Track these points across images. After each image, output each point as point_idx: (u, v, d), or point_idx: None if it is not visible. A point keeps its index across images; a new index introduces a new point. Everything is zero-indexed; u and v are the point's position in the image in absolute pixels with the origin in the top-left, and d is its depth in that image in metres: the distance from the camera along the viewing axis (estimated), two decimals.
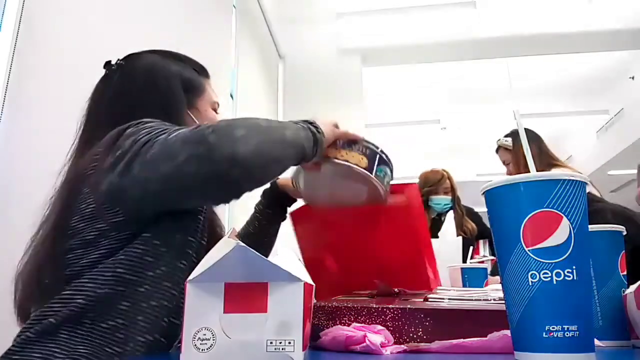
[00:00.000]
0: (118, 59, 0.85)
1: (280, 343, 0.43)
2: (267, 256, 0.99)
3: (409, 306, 0.57)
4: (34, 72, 1.13)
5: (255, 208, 1.05)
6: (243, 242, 1.10)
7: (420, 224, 0.94)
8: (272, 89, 3.59)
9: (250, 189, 0.66)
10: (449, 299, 0.60)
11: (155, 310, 0.64)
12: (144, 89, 0.80)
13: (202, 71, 0.91)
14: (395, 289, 0.68)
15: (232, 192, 0.65)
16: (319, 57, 3.82)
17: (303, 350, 0.43)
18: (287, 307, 0.43)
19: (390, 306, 0.58)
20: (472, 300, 0.59)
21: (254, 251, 0.44)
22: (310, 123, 0.74)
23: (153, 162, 0.61)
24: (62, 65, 1.22)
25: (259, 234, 1.02)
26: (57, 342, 0.61)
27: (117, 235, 0.66)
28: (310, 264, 0.86)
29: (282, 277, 0.44)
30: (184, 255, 0.68)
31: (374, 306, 0.59)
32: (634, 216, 0.84)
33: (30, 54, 1.10)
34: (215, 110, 0.91)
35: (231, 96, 2.53)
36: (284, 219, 1.05)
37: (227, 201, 0.68)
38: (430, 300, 0.60)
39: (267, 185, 1.03)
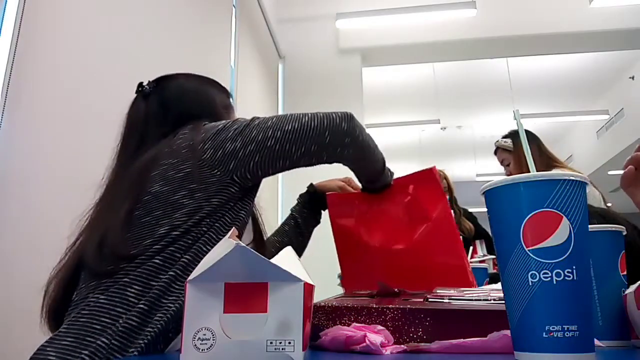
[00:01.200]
0: (149, 81, 0.89)
1: (280, 343, 0.43)
2: (301, 252, 1.05)
3: (409, 306, 0.57)
4: (33, 72, 1.13)
5: (291, 209, 1.11)
6: (276, 240, 1.11)
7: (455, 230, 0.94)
8: (272, 89, 3.60)
9: (346, 158, 0.85)
10: (449, 298, 0.60)
11: None
12: (193, 105, 0.87)
13: (228, 93, 1.01)
14: (396, 289, 0.68)
15: (337, 151, 0.81)
16: (319, 57, 3.82)
17: (303, 350, 0.43)
18: (287, 307, 0.43)
19: (390, 306, 0.57)
20: (472, 300, 0.59)
21: (254, 251, 0.44)
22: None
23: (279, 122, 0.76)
24: (62, 66, 1.22)
25: (293, 233, 1.07)
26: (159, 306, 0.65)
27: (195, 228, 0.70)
28: (343, 249, 0.98)
29: (282, 277, 0.44)
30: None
31: (374, 306, 0.59)
32: (621, 220, 0.84)
33: (30, 55, 1.10)
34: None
35: (231, 96, 2.53)
36: (318, 222, 1.11)
37: (329, 156, 0.82)
38: (430, 300, 0.60)
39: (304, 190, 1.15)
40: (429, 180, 0.96)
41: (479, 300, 0.58)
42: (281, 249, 1.06)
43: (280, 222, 1.10)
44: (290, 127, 0.75)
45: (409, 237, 0.92)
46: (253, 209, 0.85)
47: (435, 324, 0.54)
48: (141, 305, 0.64)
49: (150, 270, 0.66)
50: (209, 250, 0.52)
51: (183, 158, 0.73)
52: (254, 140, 0.74)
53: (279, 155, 0.75)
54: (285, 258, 0.50)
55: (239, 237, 0.74)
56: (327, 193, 1.07)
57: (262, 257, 0.44)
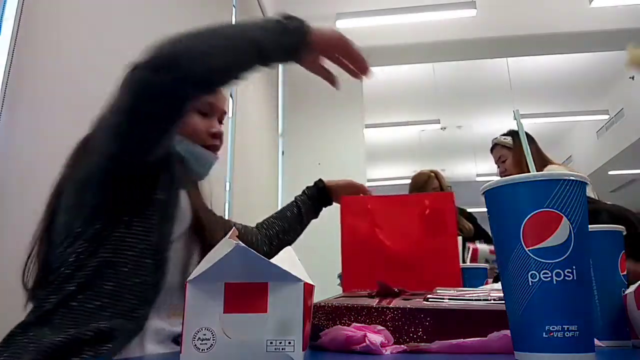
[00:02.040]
0: None
1: (280, 343, 0.43)
2: (291, 243, 1.08)
3: (409, 306, 0.57)
4: (33, 71, 1.13)
5: (296, 198, 1.14)
6: (275, 222, 1.08)
7: (453, 227, 1.04)
8: (272, 89, 3.59)
9: (191, 92, 0.66)
10: (449, 298, 0.60)
11: (139, 286, 0.69)
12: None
13: None
14: (396, 289, 0.68)
15: (169, 100, 0.65)
16: None
17: (303, 350, 0.43)
18: (287, 307, 0.43)
19: (391, 306, 0.57)
20: (472, 300, 0.59)
21: (254, 251, 0.44)
22: (288, 18, 0.73)
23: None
24: (62, 65, 1.22)
25: (294, 220, 1.11)
26: (51, 325, 0.65)
27: (97, 222, 0.70)
28: (348, 249, 1.01)
29: (282, 277, 0.44)
30: (162, 232, 0.72)
31: (374, 306, 0.59)
32: (631, 216, 0.83)
33: (30, 53, 1.10)
34: (203, 113, 0.89)
35: (231, 96, 2.53)
36: (317, 216, 1.15)
37: (172, 115, 0.68)
38: (430, 300, 0.60)
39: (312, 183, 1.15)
40: (447, 202, 1.04)
41: (479, 300, 0.58)
42: (279, 232, 1.09)
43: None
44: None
45: (421, 244, 0.99)
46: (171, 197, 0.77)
47: (435, 324, 0.54)
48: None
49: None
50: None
51: None
52: None
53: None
54: (286, 258, 0.50)
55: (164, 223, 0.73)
56: (342, 196, 1.10)
57: (262, 257, 0.44)
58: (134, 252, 0.69)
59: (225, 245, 0.44)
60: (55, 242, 0.72)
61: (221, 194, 2.33)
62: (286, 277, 0.44)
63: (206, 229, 0.80)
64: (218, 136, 0.91)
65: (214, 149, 0.91)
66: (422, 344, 0.53)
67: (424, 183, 2.55)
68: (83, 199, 0.72)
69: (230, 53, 0.67)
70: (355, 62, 0.80)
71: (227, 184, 2.43)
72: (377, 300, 0.62)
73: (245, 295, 0.44)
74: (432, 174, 2.59)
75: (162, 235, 0.72)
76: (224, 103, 0.94)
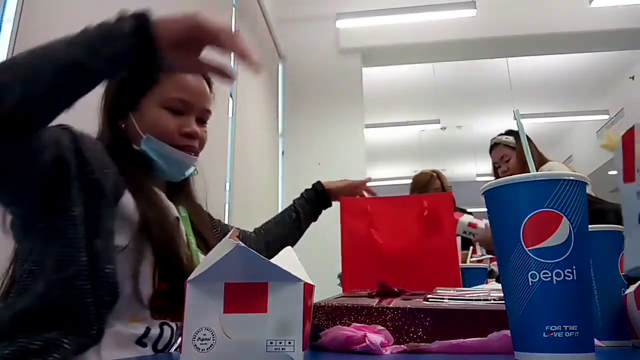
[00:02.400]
0: None
1: (280, 343, 0.43)
2: (293, 245, 1.06)
3: (409, 306, 0.57)
4: None
5: (294, 201, 1.13)
6: (273, 229, 1.07)
7: (452, 228, 1.05)
8: (272, 89, 3.59)
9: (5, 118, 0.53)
10: (449, 298, 0.60)
11: (85, 305, 0.66)
12: None
13: None
14: (396, 289, 0.68)
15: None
16: (319, 57, 3.82)
17: (303, 350, 0.43)
18: (287, 307, 0.43)
19: (391, 306, 0.57)
20: (472, 300, 0.59)
21: (254, 251, 0.44)
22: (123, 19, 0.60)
23: None
24: None
25: (292, 226, 1.09)
26: (8, 336, 0.64)
27: (28, 242, 0.70)
28: (348, 250, 1.02)
29: (282, 277, 0.44)
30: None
31: (374, 306, 0.59)
32: None
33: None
34: (176, 111, 0.83)
35: (231, 96, 2.53)
36: (316, 219, 1.13)
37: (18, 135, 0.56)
38: (430, 300, 0.60)
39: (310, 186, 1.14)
40: (445, 202, 1.05)
41: (479, 300, 0.58)
42: (277, 239, 1.08)
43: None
44: None
45: (420, 244, 1.00)
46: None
47: (435, 324, 0.54)
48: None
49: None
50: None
51: None
52: None
53: None
54: (286, 258, 0.50)
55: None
56: (340, 198, 1.09)
57: (262, 257, 0.44)
58: (67, 274, 0.65)
59: (225, 245, 0.44)
60: (19, 259, 0.72)
61: (221, 194, 2.33)
62: (286, 277, 0.44)
63: (154, 230, 0.74)
64: (193, 136, 0.84)
65: (188, 149, 0.84)
66: (422, 344, 0.53)
67: (426, 183, 2.55)
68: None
69: (35, 83, 0.55)
70: (224, 52, 0.64)
71: (227, 184, 2.43)
72: (377, 300, 0.62)
73: (245, 295, 0.44)
74: (434, 174, 2.59)
75: (97, 253, 0.67)
76: (202, 100, 0.85)
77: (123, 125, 0.83)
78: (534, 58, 4.85)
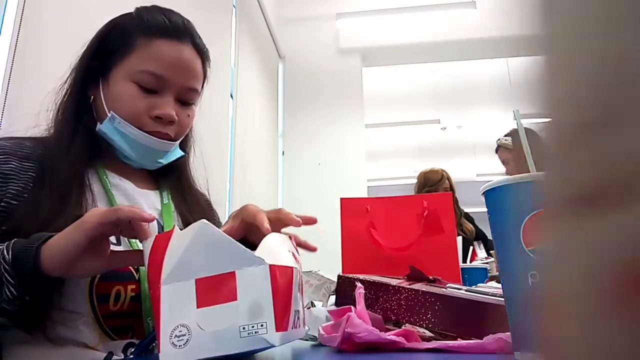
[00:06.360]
0: None
1: (253, 327, 0.43)
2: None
3: (422, 289, 0.61)
4: (34, 71, 1.13)
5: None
6: None
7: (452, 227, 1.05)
8: (272, 89, 3.59)
9: None
10: (466, 290, 0.64)
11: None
12: None
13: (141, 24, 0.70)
14: (430, 277, 0.72)
15: None
16: (319, 57, 3.82)
17: (282, 330, 0.43)
18: (255, 290, 0.44)
19: (406, 286, 0.62)
20: (485, 294, 0.61)
21: (217, 228, 0.46)
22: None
23: None
24: (63, 68, 1.22)
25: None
26: None
27: None
28: (348, 250, 1.01)
29: (247, 260, 0.45)
30: None
31: (392, 283, 0.63)
32: None
33: (30, 53, 1.10)
34: (147, 89, 0.68)
35: (231, 96, 2.53)
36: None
37: None
38: (448, 288, 0.64)
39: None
40: (445, 202, 1.05)
41: (493, 296, 0.60)
42: None
43: None
44: None
45: (420, 245, 1.01)
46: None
47: (444, 309, 0.58)
48: None
49: None
50: None
51: None
52: None
53: None
54: (271, 244, 0.52)
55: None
56: (340, 198, 1.08)
57: (225, 235, 0.46)
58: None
59: (191, 228, 0.46)
60: None
61: (221, 194, 2.33)
62: (251, 261, 0.45)
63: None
64: (165, 120, 0.69)
65: (159, 136, 0.70)
66: (422, 343, 0.55)
67: (437, 182, 2.54)
68: None
69: None
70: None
71: (227, 184, 2.43)
72: (402, 281, 0.67)
73: (216, 287, 0.45)
74: (445, 174, 2.58)
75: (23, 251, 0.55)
76: (183, 76, 0.70)
77: (92, 97, 0.72)
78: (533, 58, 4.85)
